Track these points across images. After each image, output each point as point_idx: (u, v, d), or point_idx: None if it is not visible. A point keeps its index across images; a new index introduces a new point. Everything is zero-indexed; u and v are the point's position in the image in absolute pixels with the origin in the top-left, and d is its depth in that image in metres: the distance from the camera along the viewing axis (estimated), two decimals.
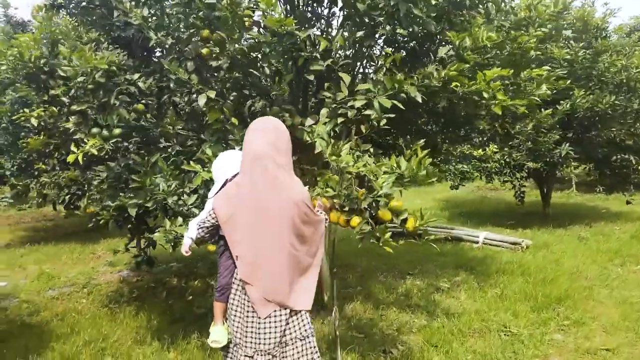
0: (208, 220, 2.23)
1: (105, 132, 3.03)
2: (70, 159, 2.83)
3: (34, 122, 3.26)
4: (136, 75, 3.27)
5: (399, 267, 6.46)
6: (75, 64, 2.99)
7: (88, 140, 2.94)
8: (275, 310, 2.10)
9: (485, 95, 3.05)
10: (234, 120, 3.41)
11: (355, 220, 2.75)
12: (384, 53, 3.31)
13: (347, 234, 9.17)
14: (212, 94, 3.02)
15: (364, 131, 3.08)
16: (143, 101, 3.40)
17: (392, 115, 3.04)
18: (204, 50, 3.01)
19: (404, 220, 2.75)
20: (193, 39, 3.03)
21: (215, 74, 3.10)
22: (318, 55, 3.06)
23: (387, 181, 2.64)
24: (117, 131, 3.05)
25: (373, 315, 4.66)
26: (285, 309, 2.11)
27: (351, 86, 3.10)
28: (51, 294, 5.67)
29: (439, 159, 5.56)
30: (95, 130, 3.02)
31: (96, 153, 2.85)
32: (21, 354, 3.78)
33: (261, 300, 2.08)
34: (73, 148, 2.87)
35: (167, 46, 3.13)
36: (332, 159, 2.84)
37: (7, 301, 5.40)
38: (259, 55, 3.14)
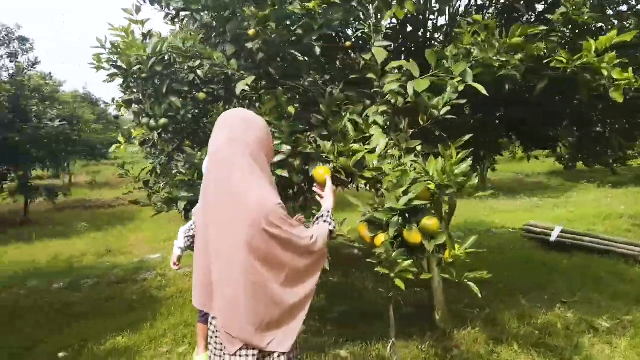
0: (192, 229, 1.93)
1: (152, 122, 2.95)
2: (113, 148, 2.82)
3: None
4: (197, 62, 3.10)
5: (555, 290, 5.21)
6: (134, 53, 2.96)
7: (135, 130, 2.90)
8: (241, 349, 1.70)
9: (605, 72, 2.01)
10: (290, 109, 3.01)
11: (380, 238, 2.12)
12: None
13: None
14: (250, 80, 2.66)
15: (422, 123, 2.35)
16: (205, 90, 3.23)
17: (462, 101, 2.25)
18: (250, 32, 2.67)
19: (440, 247, 2.01)
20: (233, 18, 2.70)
21: (257, 57, 2.71)
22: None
23: (413, 189, 1.94)
24: (162, 121, 2.95)
25: (483, 349, 3.77)
26: (254, 348, 1.70)
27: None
28: (186, 270, 6.12)
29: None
30: (144, 120, 2.97)
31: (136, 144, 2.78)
32: (132, 326, 4.06)
33: (224, 333, 1.72)
34: (120, 138, 2.85)
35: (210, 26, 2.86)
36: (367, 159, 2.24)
37: (148, 273, 6.07)
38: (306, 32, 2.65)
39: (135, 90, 3.03)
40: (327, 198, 2.10)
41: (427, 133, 2.49)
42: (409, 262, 2.00)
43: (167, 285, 5.51)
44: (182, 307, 4.84)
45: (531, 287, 5.26)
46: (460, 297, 4.85)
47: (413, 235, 2.03)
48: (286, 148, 2.93)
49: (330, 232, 1.93)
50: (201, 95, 3.18)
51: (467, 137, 2.18)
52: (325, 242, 1.85)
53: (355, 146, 2.29)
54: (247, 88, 3.30)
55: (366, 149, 2.40)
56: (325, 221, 1.96)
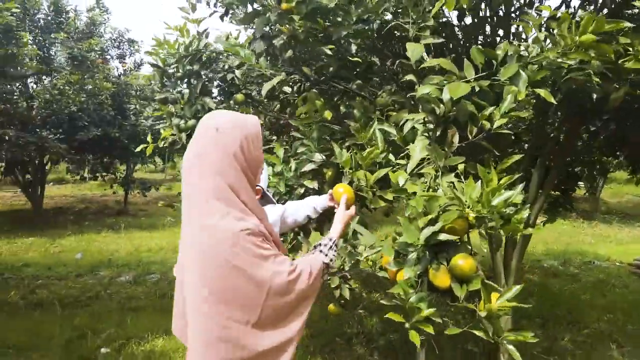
0: None
1: (182, 123, 2.80)
2: (140, 148, 2.71)
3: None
4: (236, 62, 2.91)
5: None
6: (170, 51, 2.84)
7: (164, 131, 2.77)
8: None
9: None
10: (327, 114, 2.70)
11: (401, 274, 1.74)
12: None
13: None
14: (276, 81, 2.39)
15: (470, 136, 1.92)
16: (244, 91, 3.03)
17: (526, 114, 1.79)
18: (284, 5, 2.38)
19: (474, 294, 1.59)
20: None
21: (284, 55, 2.43)
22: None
23: (442, 219, 1.54)
24: (191, 123, 2.78)
25: None
26: None
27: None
28: None
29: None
30: (175, 120, 2.83)
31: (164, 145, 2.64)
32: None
33: None
34: (149, 139, 2.74)
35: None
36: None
37: None
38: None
39: (170, 90, 2.91)
40: (335, 223, 1.78)
41: (479, 150, 2.03)
42: (431, 310, 1.58)
43: None
44: None
45: (632, 335, 4.41)
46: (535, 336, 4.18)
47: (440, 277, 1.61)
48: (318, 157, 2.63)
49: (327, 265, 1.61)
50: (239, 97, 2.97)
51: (516, 158, 1.71)
52: (316, 277, 1.52)
53: (380, 157, 1.91)
54: (288, 89, 3.05)
55: (397, 164, 2.01)
56: (321, 251, 1.63)
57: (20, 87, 9.57)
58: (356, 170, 1.94)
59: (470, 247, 1.64)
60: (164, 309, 4.89)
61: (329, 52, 2.30)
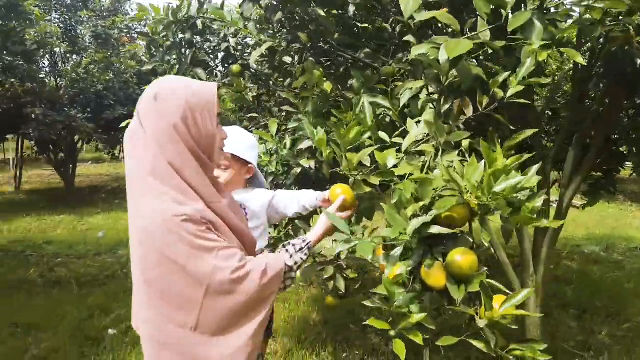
0: None
1: None
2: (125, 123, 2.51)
3: None
4: (232, 29, 2.65)
5: None
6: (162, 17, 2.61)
7: None
8: None
9: None
10: (327, 86, 2.41)
11: (394, 271, 1.48)
12: None
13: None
14: (264, 49, 2.13)
15: (480, 108, 1.60)
16: (240, 62, 2.77)
17: (547, 80, 1.47)
18: None
19: (474, 297, 1.32)
20: None
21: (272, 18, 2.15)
22: None
23: (438, 206, 1.26)
24: None
25: None
26: None
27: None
28: None
29: None
30: None
31: None
32: None
33: None
34: None
35: None
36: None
37: None
38: None
39: (158, 60, 2.68)
40: (317, 224, 1.58)
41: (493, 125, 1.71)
42: (422, 315, 1.31)
43: None
44: None
45: None
46: (570, 329, 3.84)
47: (433, 275, 1.33)
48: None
49: (290, 267, 1.38)
50: (235, 69, 2.71)
51: (529, 133, 1.39)
52: (272, 279, 1.29)
53: (365, 136, 1.62)
54: (288, 59, 2.77)
55: (393, 143, 1.71)
56: (287, 251, 1.43)
57: (46, 66, 9.64)
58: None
59: (472, 241, 1.34)
60: None
61: (322, 14, 2.00)
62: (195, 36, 2.66)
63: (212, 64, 2.74)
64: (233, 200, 1.49)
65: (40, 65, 9.37)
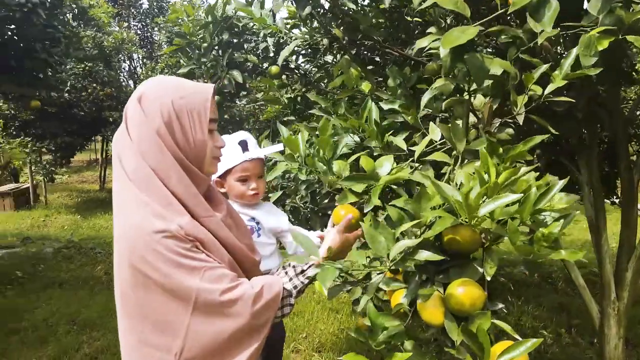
0: None
1: None
2: None
3: None
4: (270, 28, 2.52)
5: None
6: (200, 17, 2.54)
7: None
8: None
9: None
10: (365, 86, 2.20)
11: (396, 297, 1.30)
12: None
13: None
14: (296, 44, 1.97)
15: (514, 109, 1.34)
16: (277, 63, 2.62)
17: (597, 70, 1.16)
18: None
19: (476, 340, 1.07)
20: None
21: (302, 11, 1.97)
22: None
23: (438, 226, 1.05)
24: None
25: None
26: None
27: None
28: None
29: None
30: None
31: None
32: None
33: None
34: None
35: None
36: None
37: None
38: None
39: (195, 63, 2.61)
40: (324, 243, 1.42)
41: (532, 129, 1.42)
42: (407, 355, 1.08)
43: None
44: None
45: None
46: None
47: (429, 310, 1.12)
48: (350, 139, 2.15)
49: (289, 292, 1.22)
50: (273, 70, 2.57)
51: (538, 139, 1.12)
52: (267, 304, 1.14)
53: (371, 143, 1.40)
54: (329, 58, 2.60)
55: (403, 151, 1.47)
56: (287, 273, 1.27)
57: (125, 71, 10.17)
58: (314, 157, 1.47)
59: (481, 270, 1.09)
60: None
61: (352, 6, 1.80)
62: (233, 37, 2.55)
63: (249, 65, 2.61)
64: (233, 214, 1.35)
65: (119, 71, 9.88)
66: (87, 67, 8.22)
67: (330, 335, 3.89)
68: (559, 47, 2.12)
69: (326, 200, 2.45)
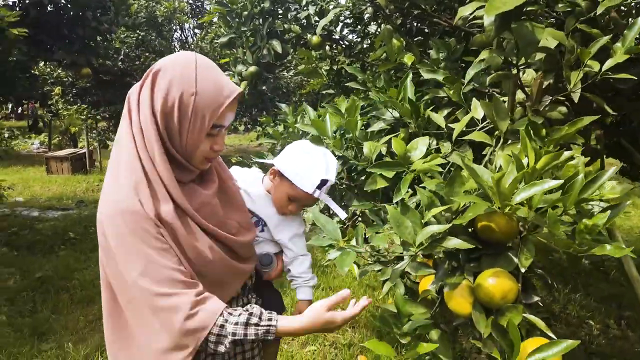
0: None
1: (243, 70, 2.45)
2: None
3: None
4: None
5: None
6: None
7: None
8: None
9: None
10: (407, 58, 2.08)
11: (425, 283, 1.25)
12: None
13: None
14: (335, 12, 1.88)
15: (569, 86, 1.22)
16: (320, 32, 2.52)
17: None
18: None
19: (506, 335, 1.00)
20: None
21: None
22: None
23: (471, 212, 0.97)
24: (251, 70, 2.40)
25: None
26: None
27: None
28: None
29: None
30: (238, 68, 2.48)
31: None
32: None
33: None
34: None
35: None
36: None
37: None
38: None
39: (235, 32, 2.56)
40: (301, 316, 1.17)
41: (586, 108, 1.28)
42: (433, 345, 1.03)
43: None
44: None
45: None
46: None
47: (456, 299, 1.05)
48: (389, 114, 2.05)
49: (222, 335, 1.06)
50: (314, 40, 2.49)
51: (586, 121, 1.00)
52: (193, 330, 1.04)
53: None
54: (373, 29, 2.49)
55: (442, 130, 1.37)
56: (237, 315, 1.10)
57: (174, 41, 10.30)
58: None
59: (516, 261, 1.00)
60: None
61: None
62: (274, 4, 2.48)
63: (289, 35, 2.53)
64: (227, 192, 1.30)
65: (171, 40, 10.03)
66: (139, 36, 8.37)
67: (365, 312, 3.87)
68: (630, 19, 1.92)
69: (363, 177, 2.39)
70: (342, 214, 1.41)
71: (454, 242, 0.95)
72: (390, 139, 1.33)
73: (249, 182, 1.51)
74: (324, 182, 1.38)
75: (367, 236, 1.39)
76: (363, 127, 2.19)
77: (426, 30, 2.57)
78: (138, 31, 8.26)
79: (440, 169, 1.15)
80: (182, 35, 10.91)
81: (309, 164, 1.38)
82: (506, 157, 0.98)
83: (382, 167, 1.27)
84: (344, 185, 2.42)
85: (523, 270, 0.96)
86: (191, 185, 1.16)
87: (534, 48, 1.01)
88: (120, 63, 8.77)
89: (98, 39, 4.82)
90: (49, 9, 4.29)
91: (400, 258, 2.08)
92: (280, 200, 1.44)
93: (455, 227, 0.98)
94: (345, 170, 2.42)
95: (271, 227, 1.49)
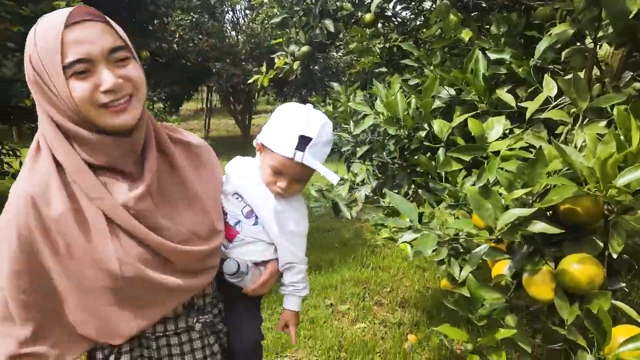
0: None
1: (295, 50, 2.45)
2: (252, 80, 2.48)
3: None
4: None
5: None
6: None
7: (278, 60, 2.47)
8: None
9: None
10: (465, 34, 2.02)
11: (498, 267, 1.25)
12: None
13: None
14: None
15: None
16: (374, 9, 2.48)
17: None
18: None
19: (596, 321, 0.99)
20: None
21: None
22: None
23: (554, 195, 0.95)
24: (303, 50, 2.40)
25: None
26: None
27: None
28: None
29: None
30: (290, 48, 2.49)
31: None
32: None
33: None
34: (263, 68, 2.49)
35: None
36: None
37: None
38: None
39: (287, 12, 2.56)
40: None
41: None
42: (511, 331, 1.02)
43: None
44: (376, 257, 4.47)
45: None
46: None
47: (536, 284, 1.04)
48: (445, 92, 2.01)
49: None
50: (367, 18, 2.45)
51: None
52: None
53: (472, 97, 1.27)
54: (428, 4, 2.43)
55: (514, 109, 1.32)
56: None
57: (225, 22, 10.43)
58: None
59: (601, 245, 0.97)
60: (322, 246, 4.91)
61: None
62: None
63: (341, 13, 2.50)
64: (167, 185, 1.06)
65: (223, 22, 10.16)
66: (193, 19, 8.55)
67: (415, 292, 3.86)
68: None
69: (416, 157, 2.36)
70: (334, 179, 1.17)
71: (539, 227, 0.92)
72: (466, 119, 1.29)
73: (247, 170, 1.27)
74: (304, 141, 1.12)
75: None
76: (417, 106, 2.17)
77: (483, 5, 2.48)
78: (192, 13, 8.44)
79: (527, 154, 1.11)
80: (234, 17, 11.05)
81: (286, 123, 1.16)
82: (592, 137, 0.94)
83: (461, 151, 1.23)
84: (396, 165, 2.41)
85: (615, 255, 0.93)
86: (111, 172, 0.96)
87: (625, 19, 0.95)
88: (175, 45, 9.01)
89: (155, 22, 4.99)
90: None
91: (455, 238, 2.05)
92: (266, 176, 1.20)
93: (537, 211, 0.96)
94: (398, 150, 2.40)
95: (264, 219, 1.22)
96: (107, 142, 0.93)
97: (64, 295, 0.94)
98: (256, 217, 1.23)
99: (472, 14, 2.31)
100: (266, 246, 1.24)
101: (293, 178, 1.18)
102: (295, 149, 1.12)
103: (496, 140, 1.18)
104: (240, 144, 11.73)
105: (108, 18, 0.94)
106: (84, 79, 0.89)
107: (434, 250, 1.93)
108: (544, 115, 1.19)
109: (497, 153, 1.13)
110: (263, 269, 1.25)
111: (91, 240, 0.92)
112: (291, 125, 1.14)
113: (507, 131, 1.26)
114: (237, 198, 1.25)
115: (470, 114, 1.31)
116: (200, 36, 9.19)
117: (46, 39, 0.87)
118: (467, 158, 1.20)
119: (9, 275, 0.90)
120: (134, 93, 0.94)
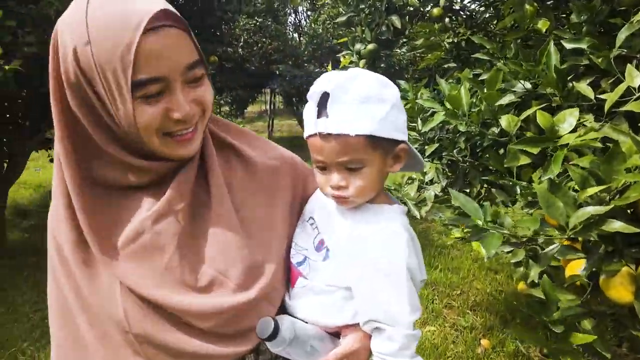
0: None
1: (362, 48, 2.43)
2: None
3: None
4: None
5: None
6: None
7: (344, 58, 2.47)
8: None
9: None
10: (542, 24, 1.92)
11: (572, 267, 1.19)
12: None
13: None
14: None
15: None
16: (440, 4, 2.42)
17: None
18: None
19: None
20: None
21: None
22: None
23: (633, 192, 0.89)
24: (370, 47, 2.37)
25: None
26: None
27: None
28: None
29: None
30: (356, 46, 2.48)
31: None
32: None
33: None
34: (329, 68, 2.50)
35: None
36: None
37: None
38: None
39: (353, 11, 2.55)
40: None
41: None
42: (589, 336, 0.96)
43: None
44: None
45: None
46: None
47: (615, 286, 0.98)
48: (520, 86, 1.91)
49: None
50: (435, 12, 2.39)
51: None
52: None
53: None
54: None
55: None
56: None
57: (288, 25, 10.58)
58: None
59: None
60: None
61: None
62: None
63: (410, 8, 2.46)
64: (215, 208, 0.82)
65: (285, 25, 10.33)
66: (257, 22, 8.77)
67: (487, 295, 3.72)
68: None
69: (487, 155, 2.27)
70: (402, 135, 0.84)
71: (616, 225, 0.86)
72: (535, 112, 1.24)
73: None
74: (322, 100, 0.78)
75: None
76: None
77: None
78: (256, 17, 8.66)
79: (598, 144, 1.05)
80: (296, 19, 11.20)
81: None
82: None
83: (527, 143, 1.18)
84: (467, 163, 2.33)
85: None
86: (138, 197, 0.78)
87: None
88: (240, 50, 9.28)
89: (223, 27, 5.16)
90: (180, 1, 4.69)
91: (533, 238, 1.96)
92: (317, 180, 0.87)
93: (614, 208, 0.90)
94: (469, 148, 2.32)
95: (333, 250, 0.83)
96: (154, 167, 0.77)
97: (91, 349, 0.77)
98: (327, 249, 0.83)
99: (548, 2, 2.19)
100: (346, 298, 0.80)
101: (339, 164, 0.80)
102: (317, 119, 0.79)
103: (569, 133, 1.11)
104: (303, 144, 11.86)
105: (187, 23, 0.74)
106: (155, 102, 0.71)
107: (510, 252, 1.85)
108: (625, 108, 1.11)
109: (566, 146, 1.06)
110: (339, 340, 0.82)
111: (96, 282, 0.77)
112: (310, 93, 0.81)
113: (582, 124, 1.19)
114: (311, 224, 0.88)
115: (539, 107, 1.24)
116: (264, 39, 9.40)
117: (113, 39, 0.66)
118: (534, 151, 1.14)
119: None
120: (200, 118, 0.77)
